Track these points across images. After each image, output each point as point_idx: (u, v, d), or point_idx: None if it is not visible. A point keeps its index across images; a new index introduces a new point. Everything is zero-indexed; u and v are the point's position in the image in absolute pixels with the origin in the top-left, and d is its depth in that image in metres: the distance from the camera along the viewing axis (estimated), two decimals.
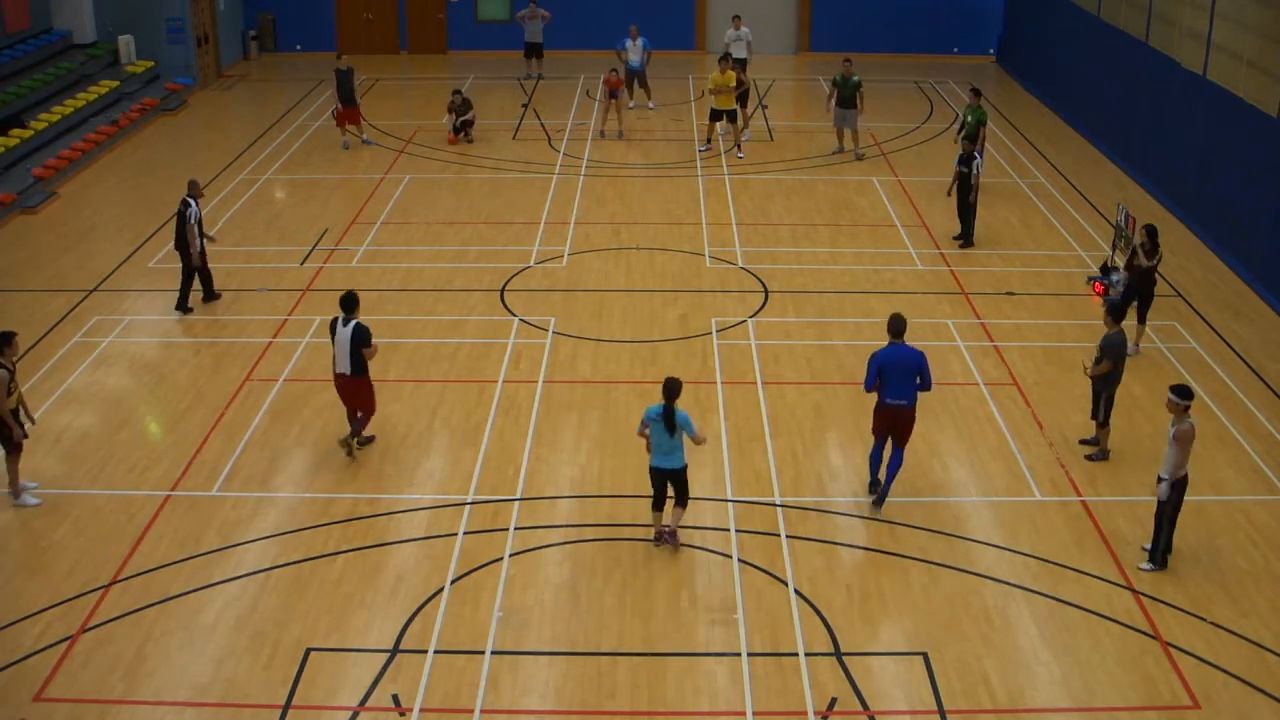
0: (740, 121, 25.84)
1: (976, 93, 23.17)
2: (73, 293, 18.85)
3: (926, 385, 13.05)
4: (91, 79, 28.65)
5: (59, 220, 22.19)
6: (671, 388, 12.03)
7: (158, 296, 18.62)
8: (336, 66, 25.78)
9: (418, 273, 19.57)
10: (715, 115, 25.54)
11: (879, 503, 13.22)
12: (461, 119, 26.40)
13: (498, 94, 30.93)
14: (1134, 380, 15.47)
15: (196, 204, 17.99)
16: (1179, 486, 12.07)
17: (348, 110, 25.90)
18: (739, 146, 25.76)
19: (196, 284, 18.22)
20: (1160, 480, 12.12)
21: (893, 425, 13.13)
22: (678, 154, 25.94)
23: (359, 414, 14.23)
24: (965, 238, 20.66)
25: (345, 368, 13.88)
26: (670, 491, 12.44)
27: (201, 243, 17.99)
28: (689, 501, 12.63)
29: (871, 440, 13.48)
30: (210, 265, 18.38)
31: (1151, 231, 16.81)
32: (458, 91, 26.91)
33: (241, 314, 18.11)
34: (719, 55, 27.20)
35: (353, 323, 13.78)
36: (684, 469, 12.32)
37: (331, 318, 14.17)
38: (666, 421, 12.05)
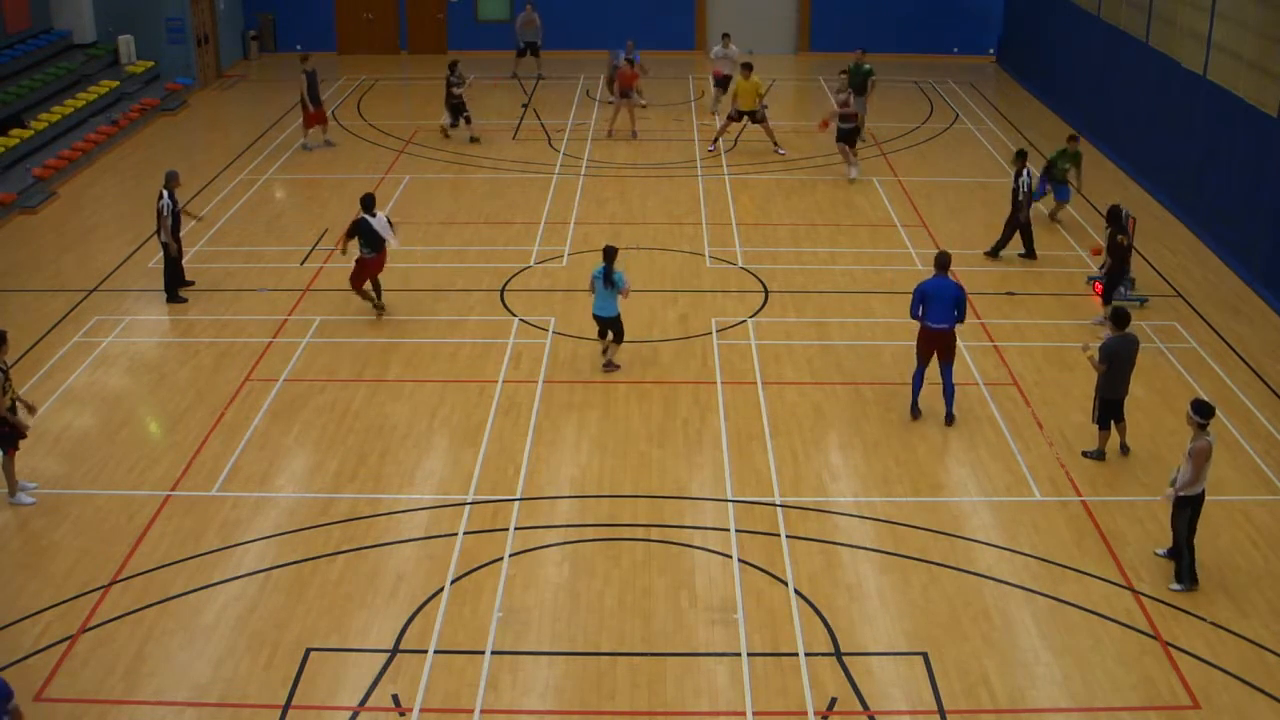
0: (767, 125, 25.69)
1: (1075, 138, 21.59)
2: (73, 293, 18.85)
3: (961, 318, 14.80)
4: (91, 79, 28.65)
5: (59, 220, 22.20)
6: (609, 252, 15.70)
7: (158, 296, 18.62)
8: (304, 69, 25.77)
9: (418, 273, 19.57)
10: (737, 115, 25.55)
11: (949, 419, 14.98)
12: (457, 95, 26.10)
13: (498, 94, 30.94)
14: (1134, 380, 15.43)
15: (170, 195, 18.11)
16: (1193, 503, 11.86)
17: (317, 111, 25.96)
18: (777, 145, 25.72)
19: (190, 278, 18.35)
20: (1170, 487, 11.97)
21: (937, 347, 14.88)
22: (678, 154, 25.95)
23: (373, 283, 17.76)
24: (1027, 252, 20.13)
25: (380, 247, 17.45)
26: (610, 334, 16.20)
27: (169, 234, 18.09)
28: (623, 340, 16.30)
29: (915, 364, 15.18)
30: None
31: (1112, 214, 17.38)
32: (455, 64, 26.61)
33: (241, 314, 18.12)
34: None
35: (380, 214, 17.49)
36: (617, 316, 15.98)
37: (356, 218, 17.40)
38: (606, 279, 15.59)
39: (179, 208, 18.35)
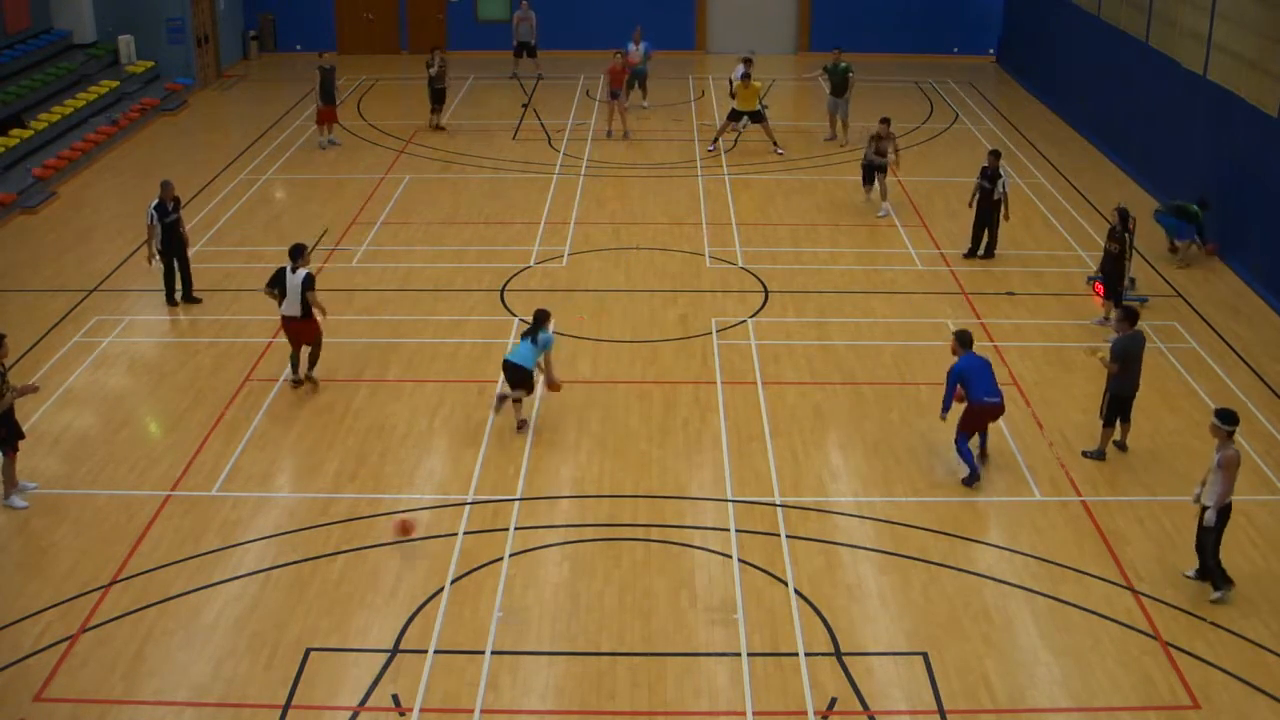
0: (767, 125, 25.68)
1: (1203, 203, 20.23)
2: (73, 293, 18.85)
3: None
4: (91, 79, 28.66)
5: (59, 220, 22.19)
6: (539, 316, 14.59)
7: (158, 296, 18.61)
8: (319, 64, 25.80)
9: (418, 273, 19.58)
10: (735, 115, 25.53)
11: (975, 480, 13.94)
12: (439, 82, 26.89)
13: (498, 94, 30.94)
14: None
15: (157, 206, 17.88)
16: (1223, 513, 11.76)
17: (329, 109, 25.97)
18: (776, 144, 25.73)
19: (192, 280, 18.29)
20: (1205, 508, 11.76)
21: (992, 420, 14.12)
22: (678, 154, 25.94)
23: (309, 351, 15.72)
24: (973, 250, 20.31)
25: (295, 311, 15.33)
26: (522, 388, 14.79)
27: (151, 246, 18.03)
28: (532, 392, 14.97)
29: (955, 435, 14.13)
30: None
31: (1122, 214, 17.36)
32: (435, 49, 27.26)
33: (241, 314, 18.12)
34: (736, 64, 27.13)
35: (302, 271, 15.33)
36: (531, 371, 14.55)
37: (278, 267, 15.54)
38: (531, 335, 14.44)
39: (168, 219, 18.02)
